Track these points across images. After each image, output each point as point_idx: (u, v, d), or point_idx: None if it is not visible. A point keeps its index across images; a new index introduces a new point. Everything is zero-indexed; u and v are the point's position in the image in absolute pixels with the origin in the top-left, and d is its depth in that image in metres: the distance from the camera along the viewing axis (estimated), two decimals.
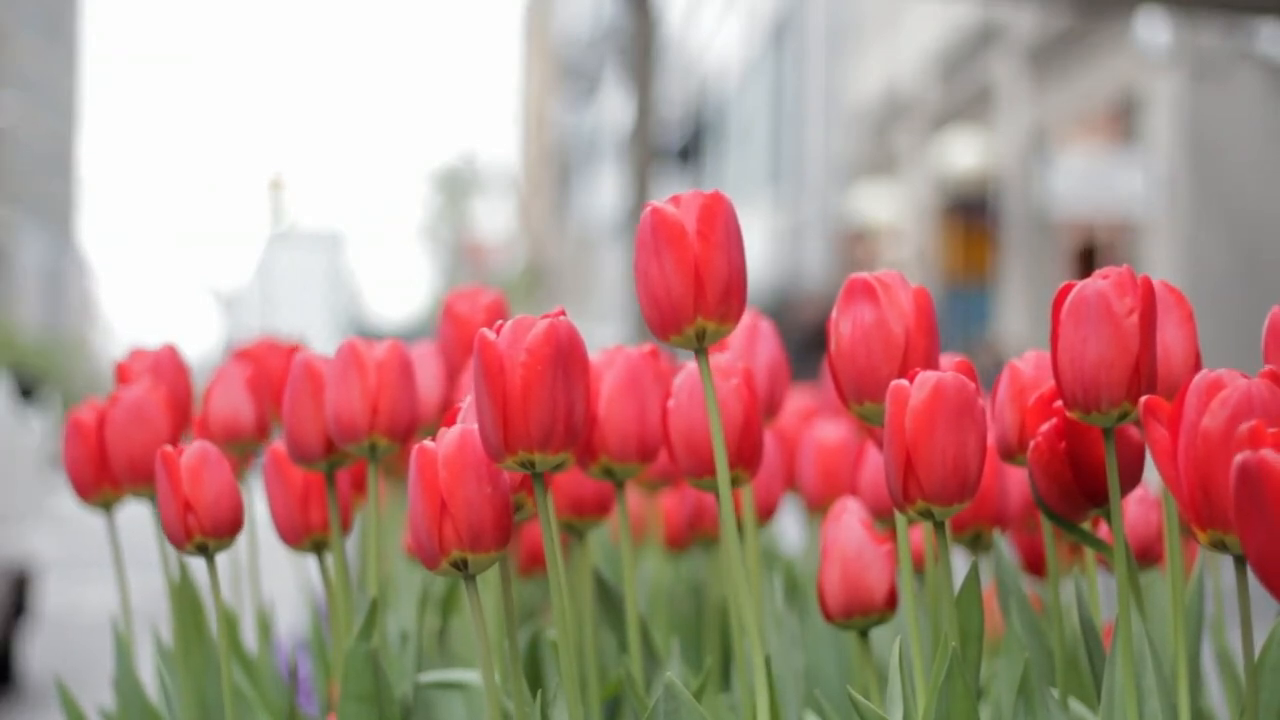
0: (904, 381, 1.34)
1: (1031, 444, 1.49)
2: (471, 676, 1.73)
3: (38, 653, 8.26)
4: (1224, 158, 13.45)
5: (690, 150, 33.09)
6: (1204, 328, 1.68)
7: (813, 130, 25.80)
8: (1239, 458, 1.01)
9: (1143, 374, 1.34)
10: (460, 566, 1.38)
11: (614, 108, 36.06)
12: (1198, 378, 1.20)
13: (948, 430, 1.31)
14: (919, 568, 1.89)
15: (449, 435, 1.38)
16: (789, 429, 2.31)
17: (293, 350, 2.25)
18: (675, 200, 1.42)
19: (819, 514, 2.19)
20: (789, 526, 3.36)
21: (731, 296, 1.41)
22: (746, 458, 1.60)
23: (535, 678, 1.93)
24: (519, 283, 51.08)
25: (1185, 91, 13.41)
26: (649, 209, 1.41)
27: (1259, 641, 1.45)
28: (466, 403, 1.46)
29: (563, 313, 1.37)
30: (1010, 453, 1.55)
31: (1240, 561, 1.23)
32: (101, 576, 8.96)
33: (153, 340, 2.11)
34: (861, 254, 21.88)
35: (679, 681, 1.43)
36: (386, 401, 1.66)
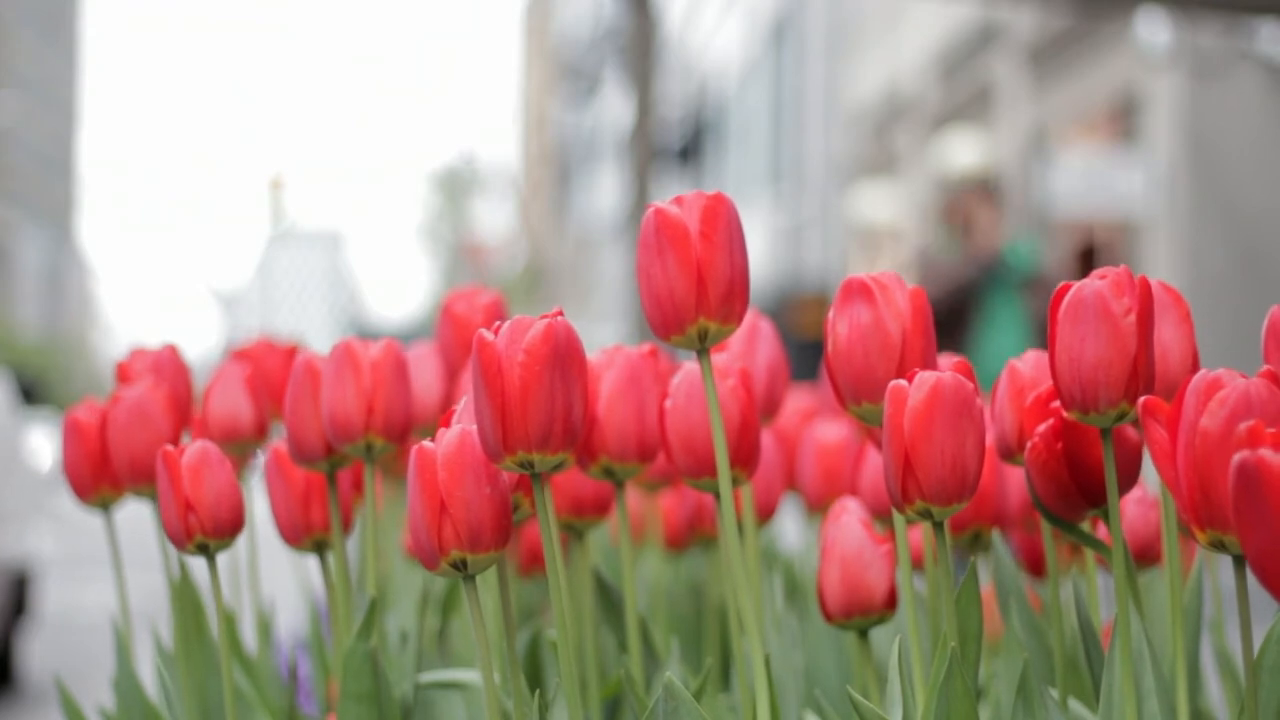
0: (903, 382, 1.34)
1: (1029, 445, 1.49)
2: (471, 676, 1.73)
3: (38, 653, 8.26)
4: (1224, 158, 13.44)
5: (690, 150, 33.05)
6: (1203, 328, 1.68)
7: (813, 130, 25.78)
8: (1238, 457, 1.01)
9: (1140, 374, 1.34)
10: (459, 567, 1.38)
11: (614, 108, 36.04)
12: (1196, 378, 1.20)
13: (946, 430, 1.31)
14: (919, 568, 1.90)
15: (448, 435, 1.38)
16: (789, 429, 2.31)
17: (291, 350, 2.24)
18: (678, 201, 1.42)
19: (819, 514, 2.19)
20: (789, 526, 3.36)
21: (734, 297, 1.41)
22: (744, 458, 1.60)
23: (535, 678, 1.93)
24: (519, 283, 51.09)
25: (1185, 91, 13.40)
26: (652, 209, 1.41)
27: (1258, 641, 1.45)
28: (462, 403, 1.46)
29: (560, 313, 1.37)
30: (1010, 453, 1.55)
31: (1239, 561, 1.23)
32: (101, 576, 8.97)
33: (153, 340, 2.11)
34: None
35: (679, 681, 1.43)
36: (382, 401, 1.66)
